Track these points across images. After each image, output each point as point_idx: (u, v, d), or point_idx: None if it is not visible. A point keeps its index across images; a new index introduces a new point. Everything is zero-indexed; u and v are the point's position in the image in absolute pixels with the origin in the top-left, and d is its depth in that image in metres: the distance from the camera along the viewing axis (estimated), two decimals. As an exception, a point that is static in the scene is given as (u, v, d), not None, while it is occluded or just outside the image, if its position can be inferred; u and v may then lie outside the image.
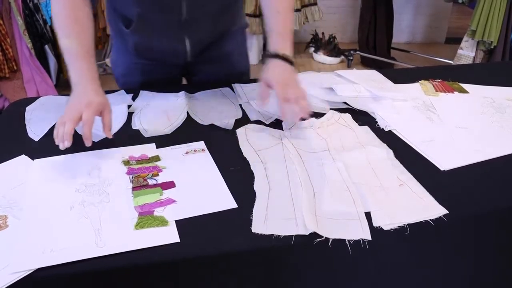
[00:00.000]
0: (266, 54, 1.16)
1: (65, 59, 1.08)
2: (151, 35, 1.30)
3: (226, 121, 1.17)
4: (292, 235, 0.78)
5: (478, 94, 1.36)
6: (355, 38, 4.01)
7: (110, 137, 1.04)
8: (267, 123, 1.17)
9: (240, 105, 1.27)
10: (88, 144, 0.98)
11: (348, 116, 1.21)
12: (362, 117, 1.21)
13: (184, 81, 1.57)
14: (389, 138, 1.11)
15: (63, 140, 0.95)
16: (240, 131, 1.13)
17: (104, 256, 0.74)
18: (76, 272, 0.72)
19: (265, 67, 1.13)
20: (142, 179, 0.94)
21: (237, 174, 0.96)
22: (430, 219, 0.83)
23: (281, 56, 1.12)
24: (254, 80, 1.45)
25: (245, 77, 1.51)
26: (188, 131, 1.14)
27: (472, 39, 2.90)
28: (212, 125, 1.17)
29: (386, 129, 1.15)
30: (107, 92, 1.35)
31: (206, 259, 0.77)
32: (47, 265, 0.72)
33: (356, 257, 0.79)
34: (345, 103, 1.26)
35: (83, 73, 1.05)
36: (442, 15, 4.45)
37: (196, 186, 0.93)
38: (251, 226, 0.81)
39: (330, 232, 0.79)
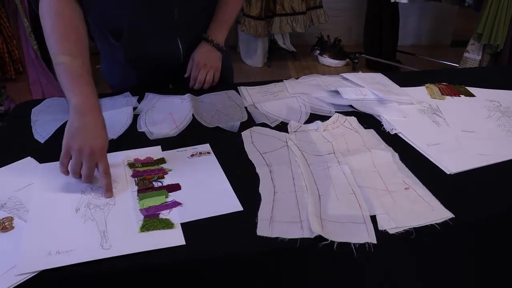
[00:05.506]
0: (201, 36, 1.39)
1: (60, 78, 0.98)
2: (143, 43, 1.30)
3: (231, 123, 1.17)
4: (297, 238, 0.78)
5: (485, 98, 1.36)
6: (360, 41, 3.99)
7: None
8: (273, 126, 1.17)
9: (246, 107, 1.27)
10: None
11: (353, 119, 1.21)
12: (368, 120, 1.20)
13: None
14: (395, 142, 1.10)
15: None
16: (245, 134, 1.13)
17: (110, 258, 0.74)
18: (81, 274, 0.72)
19: (197, 47, 1.38)
20: (147, 181, 0.94)
21: (243, 177, 0.96)
22: (436, 223, 0.82)
23: (209, 40, 1.37)
24: (259, 83, 1.45)
25: (228, 72, 1.49)
26: (193, 134, 1.14)
27: (478, 42, 2.88)
28: (217, 127, 1.17)
29: (392, 132, 1.15)
30: (111, 94, 1.36)
31: (211, 261, 0.77)
32: (53, 267, 0.72)
33: (361, 261, 0.79)
34: (351, 106, 1.26)
35: (86, 99, 0.95)
36: (448, 17, 4.42)
37: (202, 188, 0.93)
38: (256, 229, 0.81)
39: (336, 235, 0.79)
